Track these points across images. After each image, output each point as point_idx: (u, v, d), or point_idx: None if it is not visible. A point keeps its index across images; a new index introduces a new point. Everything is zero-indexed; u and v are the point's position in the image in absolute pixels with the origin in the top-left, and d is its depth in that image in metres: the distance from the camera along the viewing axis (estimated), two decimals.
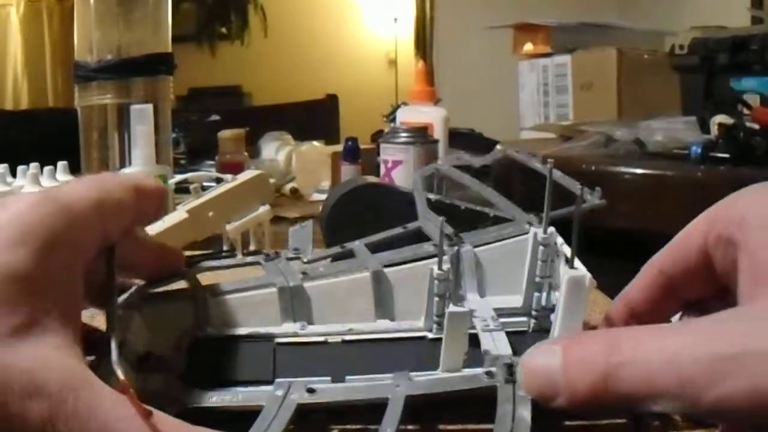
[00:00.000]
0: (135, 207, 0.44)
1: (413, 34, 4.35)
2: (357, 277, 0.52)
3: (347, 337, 0.49)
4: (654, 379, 0.33)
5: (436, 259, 0.52)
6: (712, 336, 0.33)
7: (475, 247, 0.53)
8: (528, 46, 1.99)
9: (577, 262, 0.46)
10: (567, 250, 0.49)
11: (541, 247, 0.50)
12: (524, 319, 0.51)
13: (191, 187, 0.85)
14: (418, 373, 0.43)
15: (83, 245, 0.40)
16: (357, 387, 0.42)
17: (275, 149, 1.64)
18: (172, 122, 1.13)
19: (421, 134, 1.11)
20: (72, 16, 1.06)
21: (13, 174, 1.02)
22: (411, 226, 0.57)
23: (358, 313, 0.51)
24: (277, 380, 0.45)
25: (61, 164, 1.06)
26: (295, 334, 0.49)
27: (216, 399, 0.42)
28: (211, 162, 1.41)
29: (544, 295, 0.51)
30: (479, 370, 0.43)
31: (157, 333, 0.49)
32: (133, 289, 0.50)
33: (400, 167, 1.05)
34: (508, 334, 0.48)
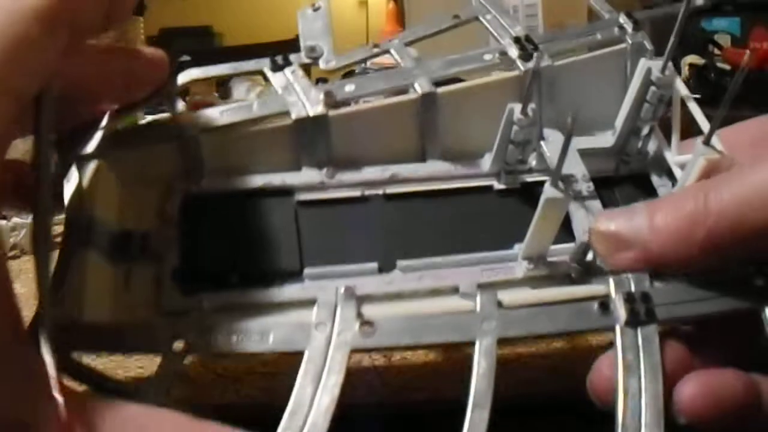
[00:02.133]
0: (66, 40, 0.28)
1: None
2: (401, 101, 0.38)
3: (390, 190, 0.37)
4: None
5: (505, 76, 0.39)
6: None
7: (554, 59, 0.39)
8: None
9: (714, 138, 0.34)
10: (695, 109, 0.36)
11: (652, 88, 0.37)
12: (612, 164, 0.40)
13: None
14: (507, 291, 0.32)
15: None
16: (430, 323, 0.31)
17: (246, 90, 1.54)
18: None
19: None
20: None
21: None
22: (464, 14, 0.41)
23: (401, 148, 0.38)
24: (312, 290, 0.33)
25: None
26: (322, 186, 0.37)
27: (238, 340, 0.30)
28: (182, 103, 1.32)
29: (642, 140, 0.39)
30: (585, 292, 0.32)
31: (133, 193, 0.35)
32: (95, 128, 0.35)
33: None
34: (596, 185, 0.37)
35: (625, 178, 0.40)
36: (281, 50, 0.38)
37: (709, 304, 0.32)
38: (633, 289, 0.32)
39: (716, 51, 1.20)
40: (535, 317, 0.31)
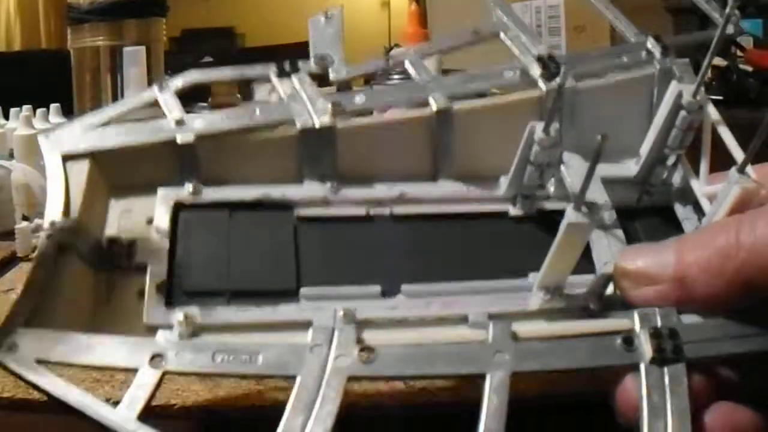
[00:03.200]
0: None
1: None
2: (415, 115, 0.36)
3: (398, 210, 0.35)
4: None
5: (527, 95, 0.37)
6: None
7: (578, 80, 0.37)
8: None
9: (748, 167, 0.32)
10: (726, 136, 0.34)
11: (683, 113, 0.35)
12: (634, 195, 0.37)
13: None
14: (520, 323, 0.30)
15: None
16: (436, 352, 0.28)
17: (268, 91, 1.51)
18: (165, 64, 1.13)
19: None
20: None
21: (6, 116, 0.93)
22: (485, 30, 0.39)
23: (411, 165, 0.36)
24: (308, 311, 0.30)
25: (54, 107, 0.95)
26: (325, 201, 0.34)
27: (223, 360, 0.27)
28: (204, 104, 1.33)
29: (667, 169, 0.37)
30: (607, 326, 0.30)
31: (122, 198, 0.33)
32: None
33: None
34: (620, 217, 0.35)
35: (648, 210, 0.37)
36: (303, 51, 0.36)
37: (741, 343, 0.29)
38: (659, 324, 0.29)
39: (739, 53, 1.19)
40: (552, 351, 0.28)
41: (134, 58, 0.91)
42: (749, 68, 1.08)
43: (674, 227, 0.36)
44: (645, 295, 0.30)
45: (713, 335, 0.29)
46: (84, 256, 0.31)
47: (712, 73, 1.05)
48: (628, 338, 0.29)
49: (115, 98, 1.05)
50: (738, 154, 0.33)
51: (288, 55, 0.37)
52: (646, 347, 0.29)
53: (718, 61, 1.07)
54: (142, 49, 0.94)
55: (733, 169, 0.32)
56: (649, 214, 0.37)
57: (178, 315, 0.29)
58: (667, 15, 1.40)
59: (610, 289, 0.32)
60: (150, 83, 0.89)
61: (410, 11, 1.22)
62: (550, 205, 0.36)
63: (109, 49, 1.05)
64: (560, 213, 0.34)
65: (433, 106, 0.35)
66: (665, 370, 0.28)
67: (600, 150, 0.28)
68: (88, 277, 0.31)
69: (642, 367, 0.28)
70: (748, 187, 0.31)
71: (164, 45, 1.13)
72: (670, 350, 0.29)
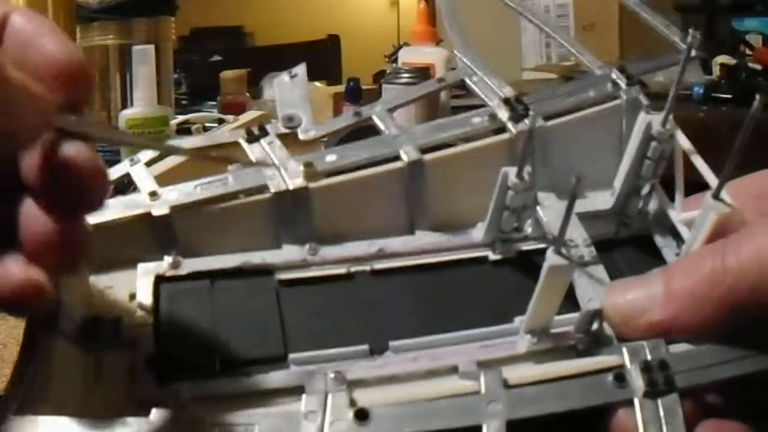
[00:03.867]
0: None
1: None
2: (386, 170, 0.36)
3: (378, 266, 0.35)
4: None
5: (496, 139, 0.37)
6: None
7: (547, 119, 0.38)
8: None
9: (723, 192, 0.32)
10: (698, 162, 0.34)
11: (653, 143, 0.35)
12: (612, 227, 0.37)
13: (193, 128, 0.88)
14: (510, 368, 0.30)
15: None
16: (430, 407, 0.28)
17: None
18: (174, 63, 1.15)
19: (422, 75, 1.07)
20: None
21: None
22: (450, 77, 0.39)
23: (387, 220, 0.36)
24: (299, 377, 0.30)
25: None
26: (304, 263, 0.34)
27: None
28: (213, 103, 1.42)
29: (643, 199, 0.37)
30: (597, 364, 0.30)
31: (103, 275, 0.33)
32: None
33: (401, 108, 1.00)
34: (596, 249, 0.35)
35: (626, 241, 0.38)
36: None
37: (730, 368, 0.30)
38: (649, 357, 0.29)
39: (747, 51, 1.19)
40: (544, 395, 0.28)
41: (143, 56, 0.90)
42: (758, 67, 1.08)
43: (654, 256, 0.37)
44: (636, 328, 0.30)
45: (702, 362, 0.30)
46: (69, 336, 0.30)
47: (721, 72, 1.06)
48: (620, 374, 0.29)
49: (123, 97, 1.06)
50: (711, 180, 0.34)
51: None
52: (638, 382, 0.29)
53: (727, 60, 1.07)
54: (151, 47, 0.93)
55: (708, 196, 0.32)
56: (628, 244, 0.37)
57: (169, 390, 0.29)
58: (675, 13, 1.39)
59: (596, 326, 0.32)
60: (159, 83, 0.92)
61: (419, 10, 1.23)
62: (528, 246, 0.36)
63: (118, 48, 1.07)
64: (539, 253, 0.34)
65: (405, 159, 0.35)
66: (659, 402, 0.28)
67: (575, 192, 0.28)
68: (75, 357, 0.30)
69: (636, 401, 0.28)
70: (724, 213, 0.31)
71: (173, 44, 1.13)
72: (662, 382, 0.29)
